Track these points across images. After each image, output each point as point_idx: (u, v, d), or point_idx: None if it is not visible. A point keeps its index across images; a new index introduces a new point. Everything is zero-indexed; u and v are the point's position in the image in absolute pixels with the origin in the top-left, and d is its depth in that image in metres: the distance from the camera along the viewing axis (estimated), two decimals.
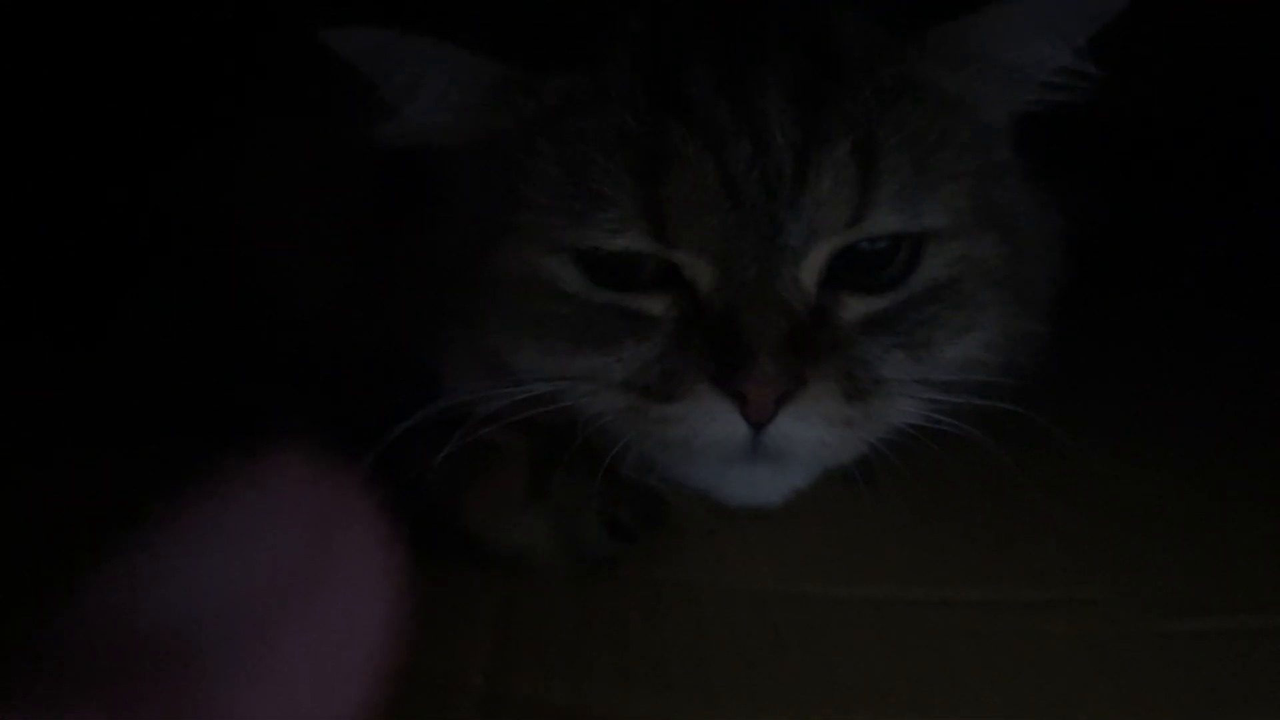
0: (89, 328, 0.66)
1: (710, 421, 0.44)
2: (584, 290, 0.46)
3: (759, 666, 0.44)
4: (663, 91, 0.45)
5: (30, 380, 0.63)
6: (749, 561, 0.50)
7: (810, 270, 0.45)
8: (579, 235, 0.45)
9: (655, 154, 0.44)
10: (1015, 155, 0.51)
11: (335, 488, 0.27)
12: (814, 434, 0.45)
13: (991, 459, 0.47)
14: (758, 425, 0.44)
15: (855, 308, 0.46)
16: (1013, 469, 0.47)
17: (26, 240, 0.71)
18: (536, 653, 0.44)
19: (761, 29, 0.47)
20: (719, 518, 0.50)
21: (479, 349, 0.48)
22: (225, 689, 0.22)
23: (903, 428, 0.48)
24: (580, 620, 0.46)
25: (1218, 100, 0.78)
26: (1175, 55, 0.71)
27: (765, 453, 0.45)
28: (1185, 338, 0.70)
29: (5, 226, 0.70)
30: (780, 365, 0.43)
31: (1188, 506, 0.54)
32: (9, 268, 0.69)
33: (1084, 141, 0.53)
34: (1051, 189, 0.52)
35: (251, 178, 0.64)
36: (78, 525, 0.51)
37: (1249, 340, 0.70)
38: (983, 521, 0.52)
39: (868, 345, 0.46)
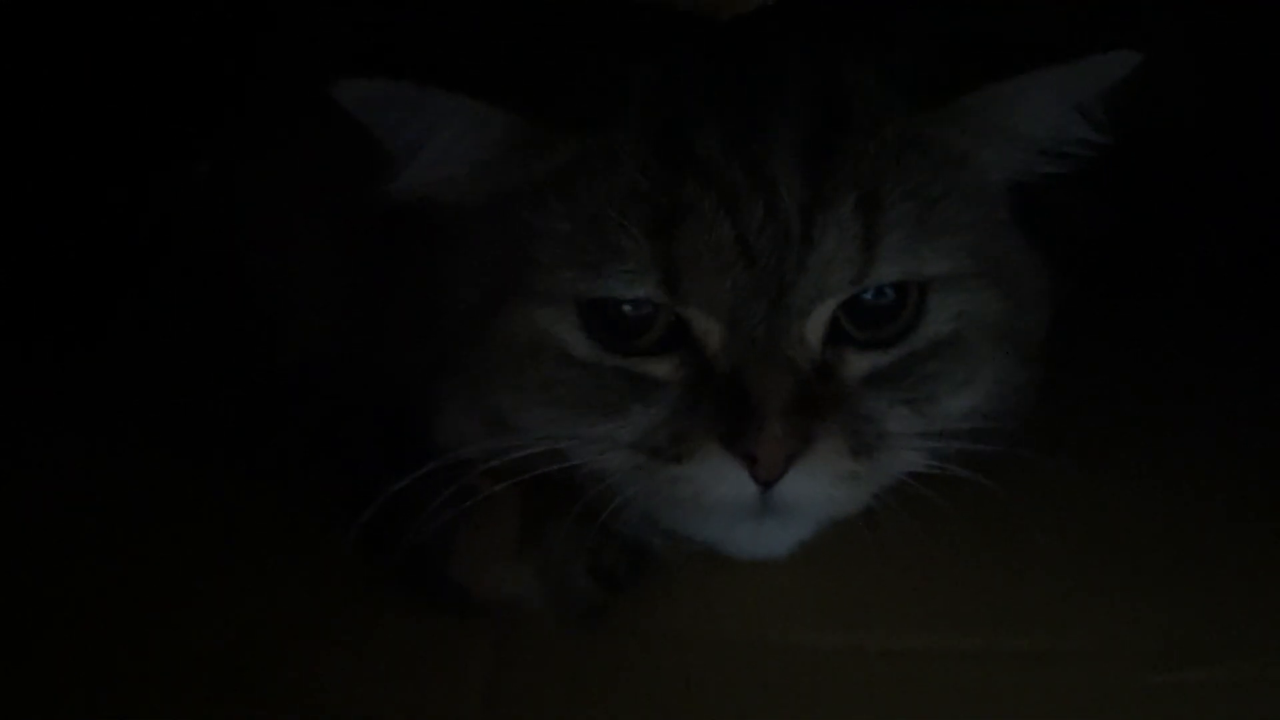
0: (89, 329, 0.66)
1: (720, 482, 0.44)
2: (592, 356, 0.46)
3: (750, 718, 0.45)
4: (673, 150, 0.45)
5: (29, 381, 0.63)
6: (741, 611, 0.50)
7: (815, 327, 0.45)
8: (592, 286, 0.45)
9: (668, 211, 0.44)
10: (1010, 217, 0.51)
11: None
12: (821, 490, 0.45)
13: (989, 498, 0.47)
14: (766, 484, 0.44)
15: (858, 364, 0.47)
16: (1009, 507, 0.47)
17: (26, 240, 0.71)
18: (527, 701, 0.46)
19: (771, 83, 0.47)
20: (715, 567, 0.50)
21: (480, 406, 0.48)
22: None
23: (904, 477, 0.48)
24: (571, 670, 0.46)
25: (1218, 101, 0.78)
26: (1177, 57, 0.71)
27: (773, 509, 0.45)
28: (1186, 343, 0.70)
29: (5, 226, 0.70)
30: (788, 426, 0.43)
31: (1189, 539, 0.54)
32: (8, 268, 0.69)
33: None
34: (1040, 252, 0.52)
35: (251, 180, 0.64)
36: (77, 526, 0.53)
37: (1251, 346, 0.69)
38: (977, 566, 0.52)
39: (872, 401, 0.46)
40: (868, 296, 0.46)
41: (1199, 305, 0.74)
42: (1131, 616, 0.50)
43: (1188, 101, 0.75)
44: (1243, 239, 0.77)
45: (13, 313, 0.67)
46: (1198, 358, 0.68)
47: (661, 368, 0.46)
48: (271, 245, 0.60)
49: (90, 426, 0.60)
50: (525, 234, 0.46)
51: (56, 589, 0.51)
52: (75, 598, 0.50)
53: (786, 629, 0.49)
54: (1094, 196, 0.58)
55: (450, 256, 0.49)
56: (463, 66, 0.45)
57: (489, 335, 0.47)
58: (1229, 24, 0.72)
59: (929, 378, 0.47)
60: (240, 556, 0.52)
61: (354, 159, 0.48)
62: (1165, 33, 0.64)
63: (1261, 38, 0.73)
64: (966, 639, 0.49)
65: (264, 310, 0.59)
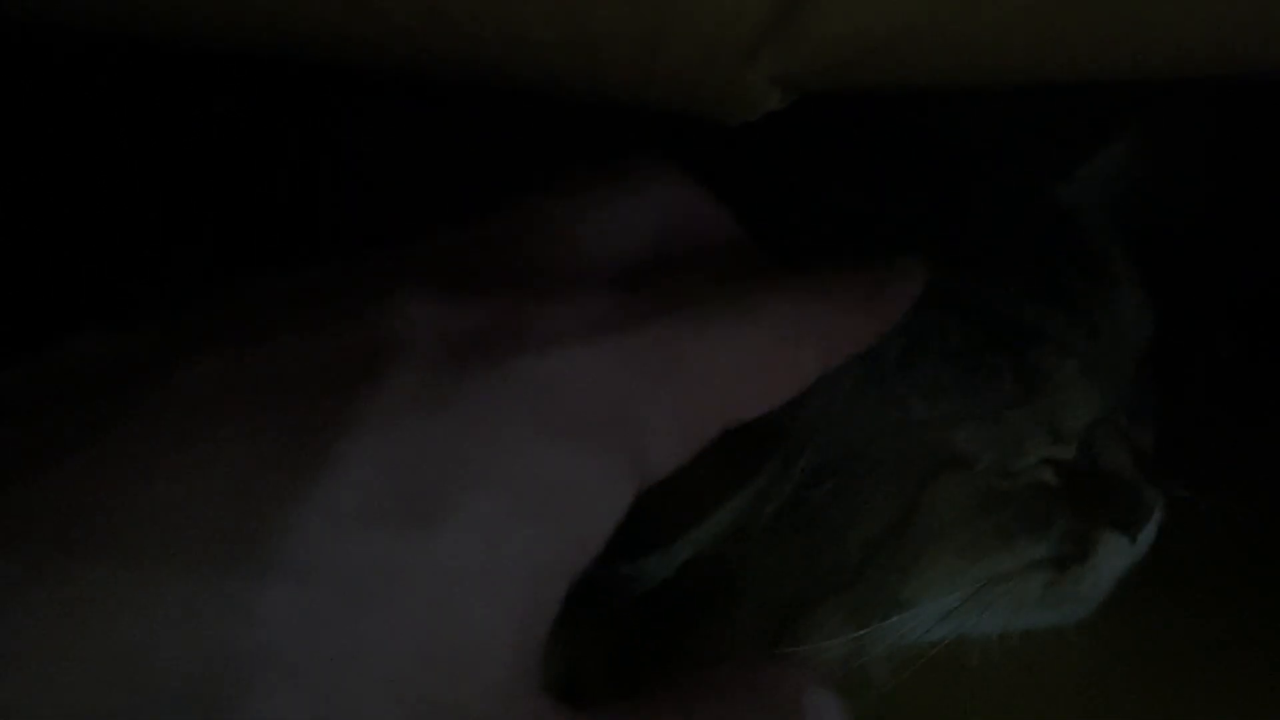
0: None
1: None
2: None
3: None
4: None
5: None
6: None
7: None
8: None
9: None
10: None
11: None
12: None
13: None
14: None
15: None
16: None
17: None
18: None
19: None
20: None
21: None
22: None
23: None
24: None
25: (1228, 197, 0.77)
26: (1187, 151, 0.70)
27: None
28: (1193, 446, 0.67)
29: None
30: None
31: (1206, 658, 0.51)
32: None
33: None
34: None
35: None
36: None
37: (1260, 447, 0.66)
38: None
39: None
40: None
41: (1211, 406, 0.72)
42: None
43: (1197, 196, 0.75)
44: (1253, 336, 0.76)
45: None
46: (1205, 461, 0.65)
47: None
48: None
49: None
50: None
51: None
52: None
53: None
54: None
55: None
56: None
57: None
58: (1240, 121, 0.72)
59: None
60: None
61: None
62: (1175, 128, 0.64)
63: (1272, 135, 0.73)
64: None
65: None
